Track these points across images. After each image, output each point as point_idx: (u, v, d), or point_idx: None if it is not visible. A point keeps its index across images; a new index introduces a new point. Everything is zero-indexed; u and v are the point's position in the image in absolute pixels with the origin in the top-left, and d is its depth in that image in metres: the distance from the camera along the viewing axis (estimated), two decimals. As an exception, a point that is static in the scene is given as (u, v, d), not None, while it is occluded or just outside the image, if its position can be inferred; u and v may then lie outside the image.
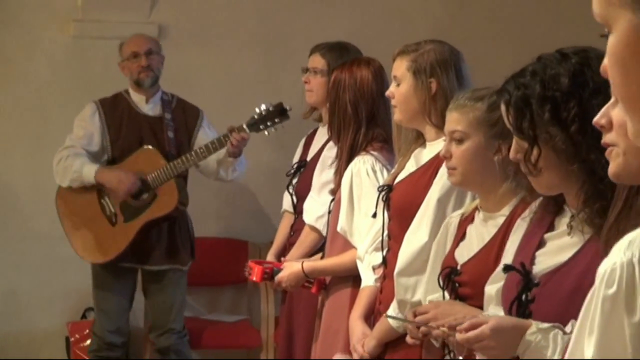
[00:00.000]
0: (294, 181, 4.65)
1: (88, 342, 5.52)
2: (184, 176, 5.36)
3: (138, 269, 5.40)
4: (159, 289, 5.38)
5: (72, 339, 5.67)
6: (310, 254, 4.24)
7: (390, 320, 3.29)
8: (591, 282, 1.40)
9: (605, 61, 1.34)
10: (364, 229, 3.71)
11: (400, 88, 3.39)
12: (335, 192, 3.97)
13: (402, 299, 3.18)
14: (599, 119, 1.95)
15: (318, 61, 4.55)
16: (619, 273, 1.33)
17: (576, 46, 2.44)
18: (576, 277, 2.33)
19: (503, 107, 2.46)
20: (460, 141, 2.91)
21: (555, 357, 2.28)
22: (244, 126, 5.05)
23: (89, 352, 5.43)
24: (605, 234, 2.06)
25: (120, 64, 5.40)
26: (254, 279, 4.16)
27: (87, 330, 5.60)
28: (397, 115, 3.44)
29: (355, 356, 3.52)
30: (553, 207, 2.50)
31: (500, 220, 2.84)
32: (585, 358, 1.35)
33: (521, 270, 2.44)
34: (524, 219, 2.60)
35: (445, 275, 2.90)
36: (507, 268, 2.50)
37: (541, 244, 2.48)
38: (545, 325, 2.34)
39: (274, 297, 5.74)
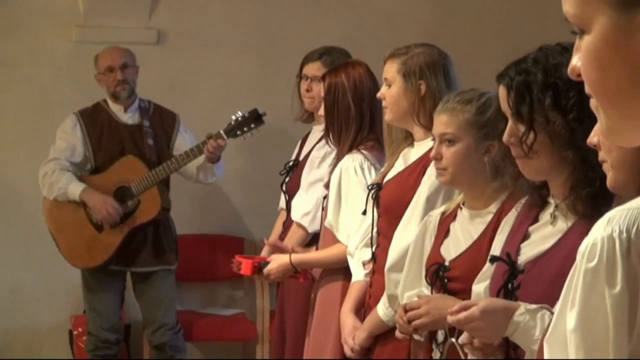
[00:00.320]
0: (287, 180, 4.67)
1: (89, 335, 5.53)
2: (166, 181, 5.39)
3: (126, 271, 5.44)
4: (148, 286, 5.41)
5: (75, 333, 5.70)
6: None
7: (381, 313, 3.32)
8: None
9: (574, 62, 1.32)
10: (351, 225, 3.73)
11: (391, 90, 3.43)
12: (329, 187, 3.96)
13: (392, 293, 3.20)
14: (591, 138, 2.01)
15: (319, 69, 4.54)
16: (599, 247, 1.33)
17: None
18: (560, 262, 2.33)
19: (503, 91, 2.46)
20: (451, 142, 2.93)
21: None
22: (222, 132, 5.09)
23: (87, 352, 5.45)
24: None
25: (96, 77, 5.41)
26: (244, 273, 4.18)
27: (89, 324, 5.58)
28: (387, 116, 3.47)
29: (346, 348, 3.56)
30: (538, 202, 2.52)
31: (488, 217, 2.87)
32: (568, 329, 1.35)
33: (507, 260, 2.47)
34: (511, 216, 2.63)
35: (433, 271, 2.91)
36: (493, 259, 2.54)
37: (526, 236, 2.51)
38: (533, 306, 2.36)
39: (269, 290, 5.74)
